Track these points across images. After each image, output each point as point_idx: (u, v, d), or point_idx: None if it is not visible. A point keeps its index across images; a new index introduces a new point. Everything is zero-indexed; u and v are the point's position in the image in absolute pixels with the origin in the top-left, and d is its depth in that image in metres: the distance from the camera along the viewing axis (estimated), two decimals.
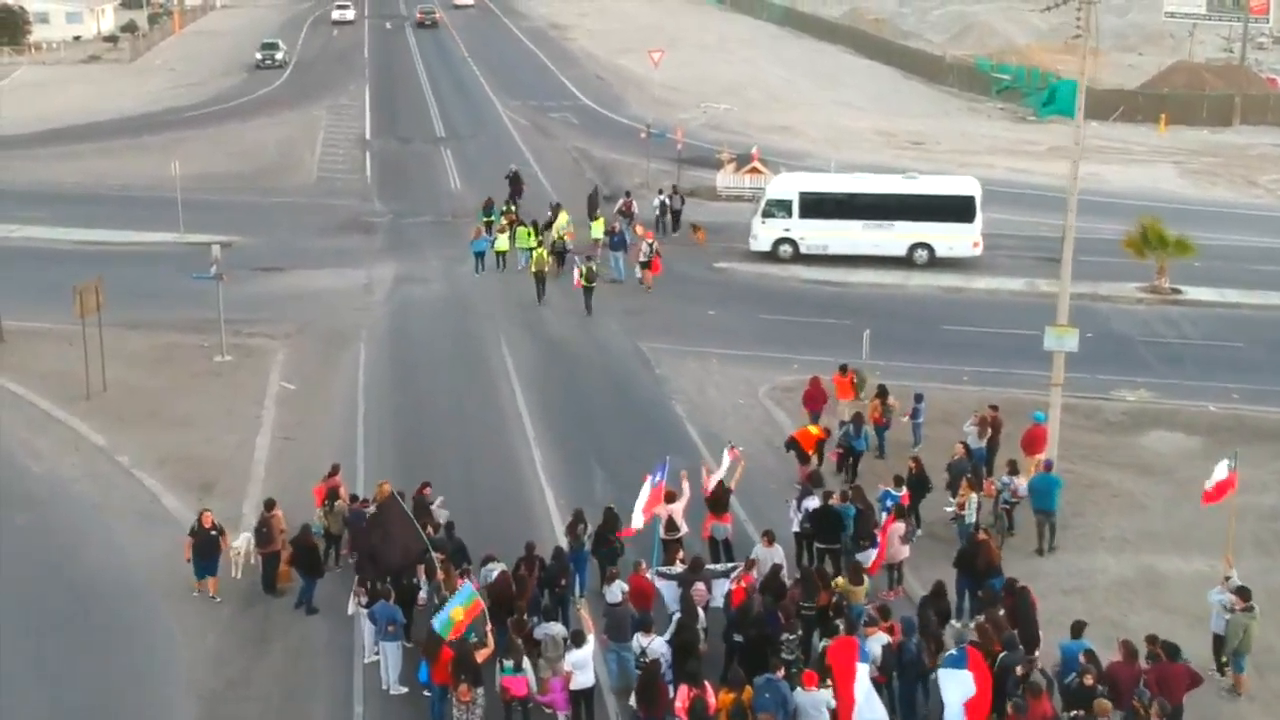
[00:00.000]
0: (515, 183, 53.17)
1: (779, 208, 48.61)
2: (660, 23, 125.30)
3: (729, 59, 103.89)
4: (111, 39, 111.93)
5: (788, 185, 49.56)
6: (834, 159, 61.42)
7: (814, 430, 30.61)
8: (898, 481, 27.09)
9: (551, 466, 31.24)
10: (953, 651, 20.66)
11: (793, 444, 30.08)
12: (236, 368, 37.32)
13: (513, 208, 50.30)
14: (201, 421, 33.45)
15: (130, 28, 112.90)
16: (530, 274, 43.77)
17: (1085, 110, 30.03)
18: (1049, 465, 28.03)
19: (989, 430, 30.23)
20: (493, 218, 49.18)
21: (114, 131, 72.84)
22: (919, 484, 27.83)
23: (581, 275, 42.11)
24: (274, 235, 51.95)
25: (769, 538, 24.89)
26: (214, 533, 25.06)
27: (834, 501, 26.11)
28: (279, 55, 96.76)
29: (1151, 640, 21.14)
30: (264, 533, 25.13)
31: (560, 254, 45.21)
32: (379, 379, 36.92)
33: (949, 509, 27.44)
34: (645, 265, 44.71)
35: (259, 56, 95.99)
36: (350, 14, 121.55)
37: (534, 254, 44.10)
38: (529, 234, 45.83)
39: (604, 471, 30.92)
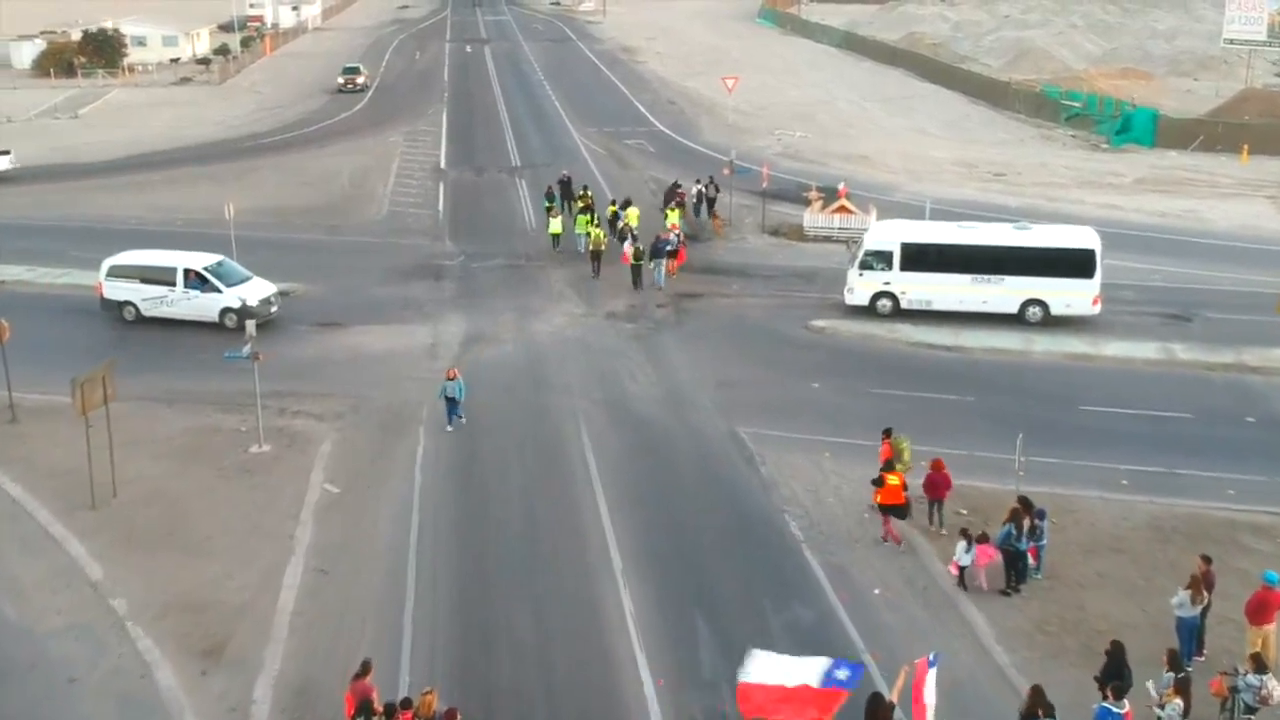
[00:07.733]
0: (565, 187, 50.85)
1: (878, 259, 39.11)
2: (725, 46, 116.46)
3: (796, 82, 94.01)
4: (204, 61, 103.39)
5: (889, 235, 39.80)
6: (922, 194, 52.10)
7: (894, 480, 24.80)
8: (1115, 692, 17.80)
9: (644, 620, 22.08)
10: None
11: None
12: (274, 461, 28.29)
13: (588, 191, 49.01)
14: (222, 544, 24.51)
15: (223, 50, 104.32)
16: (588, 254, 44.47)
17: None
18: None
19: (1204, 595, 20.83)
20: (553, 204, 48.80)
21: (190, 159, 64.09)
22: (1114, 671, 18.66)
23: (631, 254, 42.46)
24: (337, 281, 42.79)
25: None
26: None
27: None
28: (360, 79, 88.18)
29: None
30: None
31: (622, 239, 44.32)
32: (438, 481, 27.72)
33: (1161, 712, 18.15)
34: (672, 255, 43.13)
35: (340, 80, 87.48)
36: None
37: (591, 234, 44.63)
38: (586, 220, 45.74)
39: (709, 628, 21.92)
